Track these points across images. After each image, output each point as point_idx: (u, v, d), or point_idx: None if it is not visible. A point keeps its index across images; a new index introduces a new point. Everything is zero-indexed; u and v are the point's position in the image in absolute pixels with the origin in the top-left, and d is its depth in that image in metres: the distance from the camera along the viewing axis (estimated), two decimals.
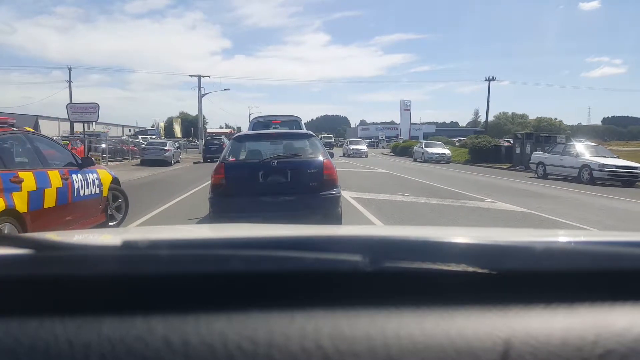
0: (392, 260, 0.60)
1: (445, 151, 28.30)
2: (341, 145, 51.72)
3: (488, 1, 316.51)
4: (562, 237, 1.19)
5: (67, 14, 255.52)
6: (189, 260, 0.61)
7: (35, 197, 4.35)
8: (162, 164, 20.77)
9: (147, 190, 11.43)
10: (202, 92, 38.74)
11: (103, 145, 22.36)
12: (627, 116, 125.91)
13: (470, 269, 0.59)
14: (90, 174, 5.55)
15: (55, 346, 0.49)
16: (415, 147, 31.85)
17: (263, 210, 5.15)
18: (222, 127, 63.70)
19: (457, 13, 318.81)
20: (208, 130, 49.13)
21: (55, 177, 4.75)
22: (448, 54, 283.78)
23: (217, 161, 5.69)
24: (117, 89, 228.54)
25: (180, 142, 34.27)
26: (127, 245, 0.65)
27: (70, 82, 43.96)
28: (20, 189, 4.15)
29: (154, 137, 39.11)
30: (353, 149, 33.91)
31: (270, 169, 5.31)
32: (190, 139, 47.91)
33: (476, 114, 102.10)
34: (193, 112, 50.35)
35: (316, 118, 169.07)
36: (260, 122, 11.25)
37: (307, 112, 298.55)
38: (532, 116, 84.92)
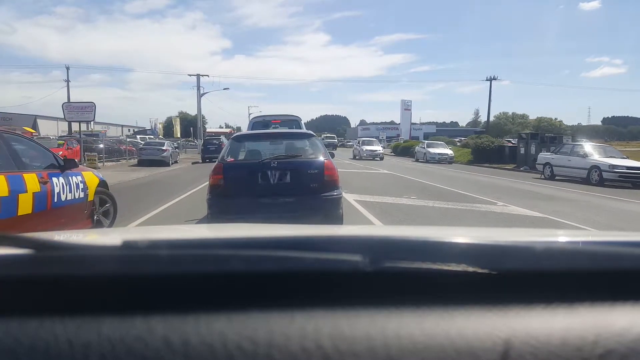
0: (392, 260, 0.60)
1: (448, 151, 28.02)
2: (342, 146, 50.56)
3: (488, 1, 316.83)
4: (562, 237, 1.19)
5: (67, 14, 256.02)
6: (189, 260, 0.61)
7: (7, 203, 3.92)
8: (160, 164, 20.56)
9: (143, 191, 11.28)
10: (202, 92, 38.77)
11: (100, 146, 22.22)
12: (627, 116, 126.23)
13: (470, 269, 0.59)
14: (73, 177, 5.12)
15: (55, 346, 0.49)
16: (417, 148, 31.52)
17: (262, 211, 5.05)
18: (222, 127, 63.68)
19: (457, 13, 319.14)
20: (207, 130, 49.14)
21: (32, 181, 4.31)
22: (448, 54, 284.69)
23: (215, 161, 5.61)
24: (117, 88, 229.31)
25: (179, 142, 34.18)
26: (127, 245, 0.65)
27: (68, 81, 43.84)
28: None
29: (152, 137, 39.09)
30: (366, 150, 29.74)
31: (270, 170, 5.20)
32: (190, 138, 47.88)
33: (476, 114, 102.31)
34: (192, 111, 50.34)
35: (316, 118, 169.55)
36: (260, 122, 11.12)
37: (307, 112, 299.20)
38: (532, 116, 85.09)
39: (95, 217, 5.64)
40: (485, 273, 0.59)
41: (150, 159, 20.97)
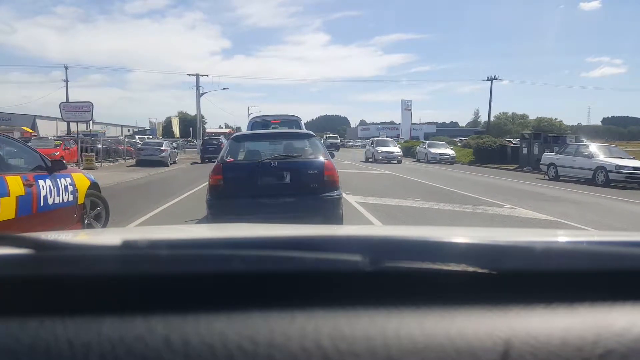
0: (392, 260, 0.60)
1: (449, 152, 27.81)
2: (342, 146, 49.42)
3: (488, 1, 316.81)
4: (562, 237, 1.19)
5: (66, 14, 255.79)
6: (189, 260, 0.61)
7: None
8: (158, 164, 20.43)
9: (139, 193, 11.22)
10: (201, 92, 38.71)
11: (98, 146, 22.11)
12: (627, 116, 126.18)
13: (470, 269, 0.59)
14: (62, 179, 4.88)
15: (55, 346, 0.49)
16: (418, 148, 31.32)
17: (262, 212, 5.04)
18: (222, 127, 63.66)
19: (457, 13, 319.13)
20: (207, 130, 49.10)
21: (15, 184, 4.08)
22: (448, 54, 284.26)
23: (215, 161, 5.59)
24: (117, 88, 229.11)
25: (178, 142, 34.09)
26: (127, 245, 0.65)
27: (66, 81, 43.78)
28: None
29: (150, 137, 39.03)
30: (382, 152, 26.23)
31: (270, 170, 5.20)
32: (189, 139, 47.84)
33: (476, 114, 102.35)
34: (192, 111, 50.27)
35: (316, 118, 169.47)
36: (260, 122, 11.05)
37: (307, 112, 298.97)
38: (532, 116, 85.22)
39: (86, 221, 5.42)
40: (485, 273, 0.60)
41: (149, 160, 20.84)
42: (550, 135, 24.14)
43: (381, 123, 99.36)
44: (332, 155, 6.37)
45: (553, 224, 7.14)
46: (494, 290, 0.59)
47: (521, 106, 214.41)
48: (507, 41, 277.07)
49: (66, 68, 44.32)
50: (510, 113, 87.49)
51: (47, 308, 0.55)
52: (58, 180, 4.81)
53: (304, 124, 12.24)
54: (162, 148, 21.77)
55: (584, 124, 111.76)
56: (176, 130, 50.63)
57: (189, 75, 39.85)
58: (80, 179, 5.41)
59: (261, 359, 0.49)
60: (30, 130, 36.27)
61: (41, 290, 0.58)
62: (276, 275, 0.60)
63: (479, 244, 0.73)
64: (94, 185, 5.73)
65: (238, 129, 59.49)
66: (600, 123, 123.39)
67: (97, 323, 0.52)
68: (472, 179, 16.24)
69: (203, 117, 52.96)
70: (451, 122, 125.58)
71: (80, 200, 5.26)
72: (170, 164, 22.00)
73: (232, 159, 5.61)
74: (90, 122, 28.88)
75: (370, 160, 26.60)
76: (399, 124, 61.26)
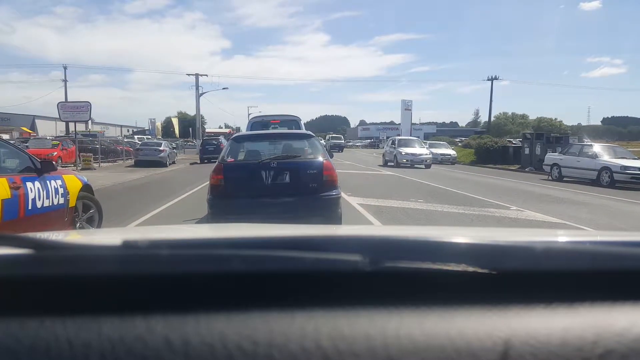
0: (392, 260, 0.60)
1: (451, 152, 27.57)
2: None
3: (488, 1, 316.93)
4: (562, 237, 1.19)
5: (66, 14, 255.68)
6: (189, 260, 0.61)
7: None
8: (157, 165, 20.31)
9: (137, 193, 11.17)
10: (200, 92, 38.59)
11: (96, 146, 21.99)
12: (627, 116, 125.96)
13: (470, 269, 0.59)
14: (52, 181, 4.70)
15: (55, 346, 0.49)
16: None
17: (262, 211, 5.14)
18: (222, 127, 63.69)
19: (457, 13, 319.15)
20: (207, 130, 49.08)
21: (1, 186, 3.96)
22: (448, 54, 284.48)
23: (214, 162, 5.68)
24: (117, 88, 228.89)
25: (177, 142, 33.99)
26: (127, 245, 0.65)
27: (65, 81, 43.74)
28: None
29: (149, 137, 38.97)
30: (407, 154, 21.02)
31: (270, 170, 5.29)
32: (188, 139, 47.79)
33: (476, 114, 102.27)
34: (192, 111, 50.10)
35: (316, 118, 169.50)
36: (259, 122, 11.04)
37: (307, 112, 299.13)
38: (532, 116, 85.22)
39: (77, 225, 5.24)
40: (485, 273, 0.60)
41: (147, 160, 20.71)
42: (552, 135, 23.91)
43: (381, 123, 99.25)
44: (332, 155, 6.42)
45: (564, 228, 6.89)
46: (494, 290, 0.59)
47: (521, 106, 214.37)
48: (507, 41, 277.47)
49: (65, 68, 44.35)
50: (510, 113, 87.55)
51: (47, 308, 0.55)
52: (48, 182, 4.64)
53: (304, 124, 12.21)
54: (161, 148, 21.65)
55: (584, 124, 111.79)
56: (175, 130, 50.64)
57: (189, 75, 39.47)
58: (72, 181, 5.23)
59: (261, 359, 0.49)
60: (29, 131, 36.27)
61: (41, 290, 0.58)
62: (276, 275, 0.60)
63: (479, 244, 0.73)
64: (86, 187, 5.55)
65: (238, 129, 59.46)
66: (600, 123, 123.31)
67: (97, 323, 0.52)
68: (474, 179, 16.10)
69: (203, 117, 52.95)
70: (451, 122, 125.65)
71: (72, 203, 5.08)
72: (169, 164, 21.89)
73: (232, 159, 5.71)
74: (89, 122, 28.78)
75: (391, 164, 21.84)
76: (399, 124, 61.01)
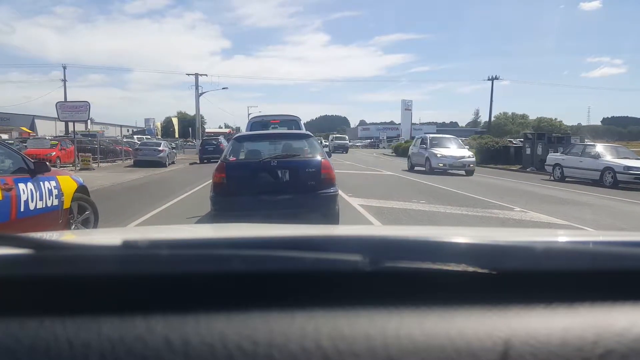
0: (392, 260, 0.60)
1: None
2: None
3: (488, 1, 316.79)
4: (562, 237, 1.19)
5: (66, 14, 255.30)
6: (189, 260, 0.61)
7: None
8: (156, 165, 20.18)
9: (135, 194, 11.10)
10: (200, 91, 38.54)
11: (95, 146, 21.90)
12: (627, 116, 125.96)
13: (470, 269, 0.59)
14: (46, 182, 4.59)
15: (55, 346, 0.49)
16: None
17: (262, 208, 5.32)
18: (221, 127, 63.66)
19: (457, 13, 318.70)
20: (206, 130, 49.06)
21: None
22: (448, 54, 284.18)
23: (214, 162, 5.89)
24: (117, 88, 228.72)
25: (177, 142, 33.94)
26: (127, 245, 0.65)
27: (65, 80, 43.65)
28: None
29: (148, 137, 38.95)
30: (443, 156, 16.91)
31: (270, 169, 5.51)
32: (188, 139, 47.80)
33: (476, 114, 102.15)
34: (192, 111, 50.04)
35: (316, 118, 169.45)
36: (259, 122, 11.00)
37: (307, 112, 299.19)
38: (532, 116, 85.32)
39: (73, 227, 5.11)
40: (485, 273, 0.60)
41: (147, 160, 20.59)
42: (554, 135, 23.71)
43: (381, 123, 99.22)
44: (329, 155, 6.59)
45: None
46: (493, 290, 0.59)
47: (521, 106, 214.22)
48: (507, 41, 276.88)
49: (64, 68, 44.28)
50: (510, 113, 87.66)
51: (47, 308, 0.54)
52: (41, 183, 4.53)
53: (304, 124, 12.19)
54: (160, 148, 21.53)
55: (584, 124, 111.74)
56: (175, 130, 50.65)
57: (188, 74, 39.24)
58: (67, 182, 5.11)
59: (261, 359, 0.49)
60: (29, 131, 36.24)
61: (41, 290, 0.58)
62: (276, 275, 0.60)
63: (479, 244, 0.73)
64: (81, 189, 5.42)
65: (237, 129, 59.40)
66: (600, 123, 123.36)
67: (97, 323, 0.52)
68: (475, 179, 15.88)
69: (202, 117, 52.97)
70: (451, 122, 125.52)
71: (67, 205, 4.96)
72: (169, 164, 21.78)
73: (234, 158, 5.97)
74: (89, 122, 28.76)
75: (419, 168, 17.91)
76: (399, 124, 60.97)
